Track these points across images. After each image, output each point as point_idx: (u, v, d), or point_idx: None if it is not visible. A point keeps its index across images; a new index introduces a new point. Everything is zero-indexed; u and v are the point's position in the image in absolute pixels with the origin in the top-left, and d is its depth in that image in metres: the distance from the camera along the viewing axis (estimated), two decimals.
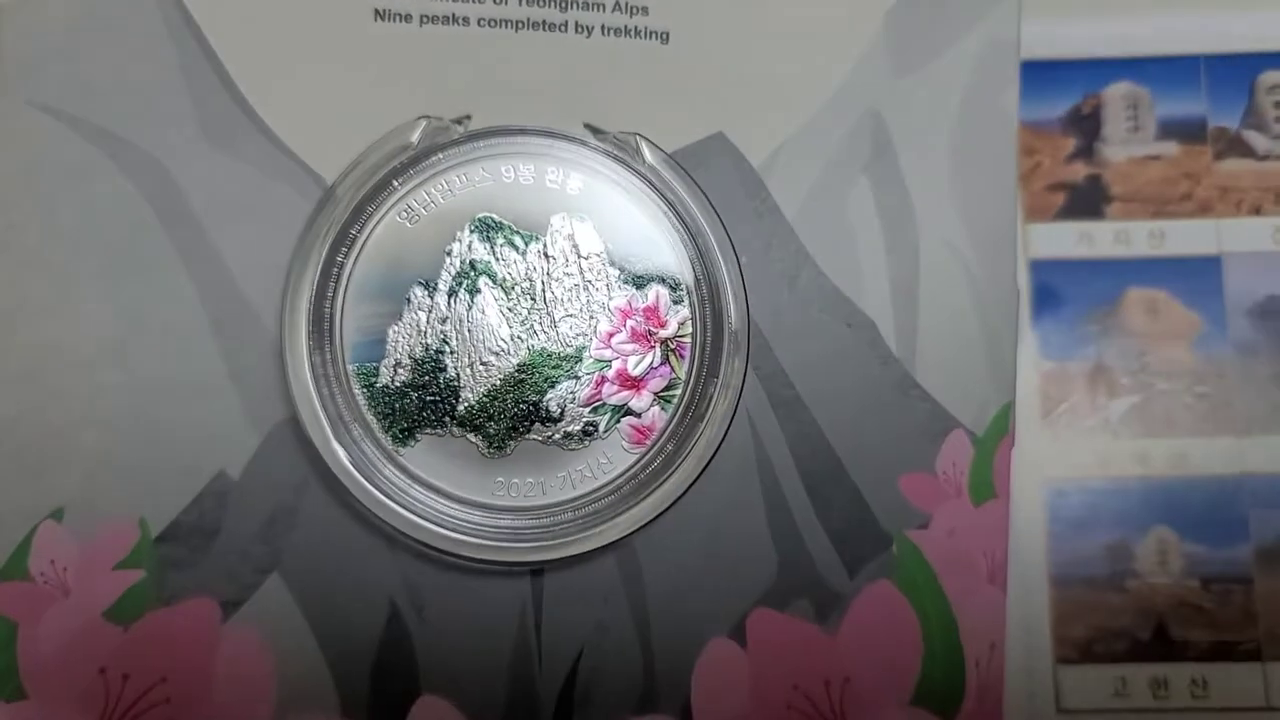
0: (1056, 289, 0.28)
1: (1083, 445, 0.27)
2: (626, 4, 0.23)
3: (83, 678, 0.21)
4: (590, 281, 0.22)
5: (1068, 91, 0.29)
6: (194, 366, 0.22)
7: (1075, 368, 0.28)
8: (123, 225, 0.22)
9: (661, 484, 0.22)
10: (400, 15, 0.23)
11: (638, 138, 0.22)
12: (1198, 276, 0.28)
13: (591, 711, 0.22)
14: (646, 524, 0.22)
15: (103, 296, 0.22)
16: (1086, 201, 0.28)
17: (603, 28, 0.23)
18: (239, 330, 0.22)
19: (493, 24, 0.23)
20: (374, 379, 0.22)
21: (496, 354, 0.22)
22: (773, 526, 0.23)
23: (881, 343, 0.23)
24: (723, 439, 0.22)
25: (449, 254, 0.22)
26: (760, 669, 0.23)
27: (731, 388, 0.22)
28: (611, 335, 0.22)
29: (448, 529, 0.21)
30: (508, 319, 0.22)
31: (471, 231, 0.22)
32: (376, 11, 0.23)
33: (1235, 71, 0.29)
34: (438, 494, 0.21)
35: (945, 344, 0.23)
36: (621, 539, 0.22)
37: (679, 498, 0.22)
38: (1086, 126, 0.29)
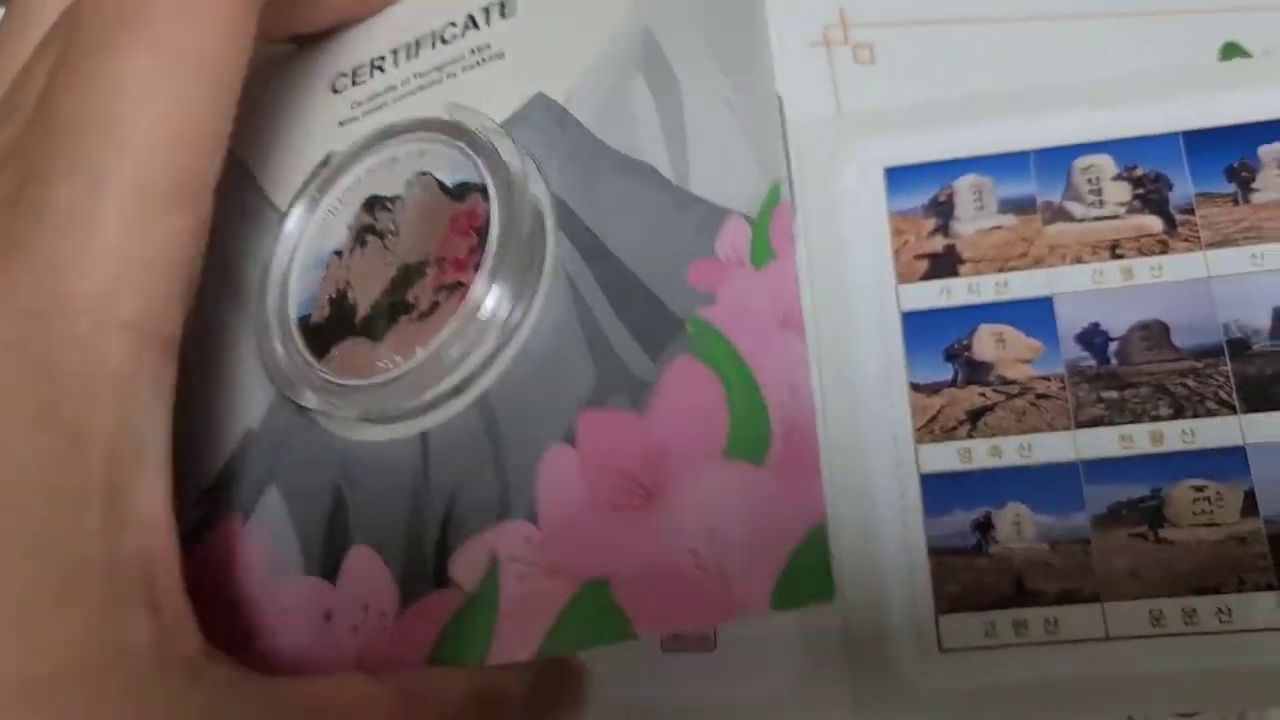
0: (922, 332, 0.36)
1: (949, 446, 0.35)
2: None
3: None
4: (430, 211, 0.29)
5: (928, 187, 0.38)
6: (243, 368, 0.31)
7: (941, 388, 0.36)
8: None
9: (506, 337, 0.27)
10: None
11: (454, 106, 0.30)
12: (1035, 313, 0.36)
13: (465, 526, 0.26)
14: (492, 359, 0.27)
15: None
16: (945, 265, 0.36)
17: None
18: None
19: None
20: (308, 319, 0.30)
21: (378, 277, 0.30)
22: (590, 344, 0.26)
23: (659, 176, 0.27)
24: (542, 292, 0.27)
25: (349, 228, 0.30)
26: (589, 461, 0.26)
27: (543, 256, 0.28)
28: (445, 240, 0.28)
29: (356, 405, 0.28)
30: (383, 257, 0.30)
31: (362, 208, 0.30)
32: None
33: (1056, 159, 0.37)
34: (346, 389, 0.28)
35: (713, 159, 0.27)
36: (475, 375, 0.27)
37: (509, 340, 0.27)
38: (943, 210, 0.37)
